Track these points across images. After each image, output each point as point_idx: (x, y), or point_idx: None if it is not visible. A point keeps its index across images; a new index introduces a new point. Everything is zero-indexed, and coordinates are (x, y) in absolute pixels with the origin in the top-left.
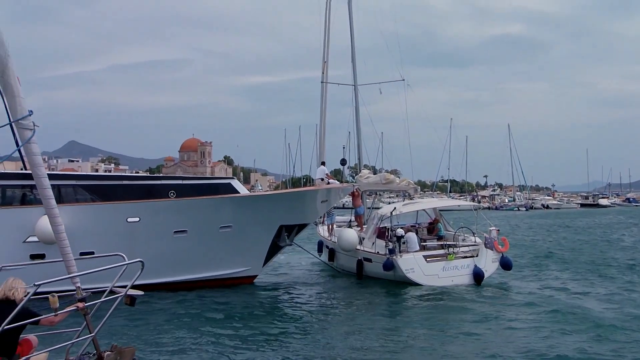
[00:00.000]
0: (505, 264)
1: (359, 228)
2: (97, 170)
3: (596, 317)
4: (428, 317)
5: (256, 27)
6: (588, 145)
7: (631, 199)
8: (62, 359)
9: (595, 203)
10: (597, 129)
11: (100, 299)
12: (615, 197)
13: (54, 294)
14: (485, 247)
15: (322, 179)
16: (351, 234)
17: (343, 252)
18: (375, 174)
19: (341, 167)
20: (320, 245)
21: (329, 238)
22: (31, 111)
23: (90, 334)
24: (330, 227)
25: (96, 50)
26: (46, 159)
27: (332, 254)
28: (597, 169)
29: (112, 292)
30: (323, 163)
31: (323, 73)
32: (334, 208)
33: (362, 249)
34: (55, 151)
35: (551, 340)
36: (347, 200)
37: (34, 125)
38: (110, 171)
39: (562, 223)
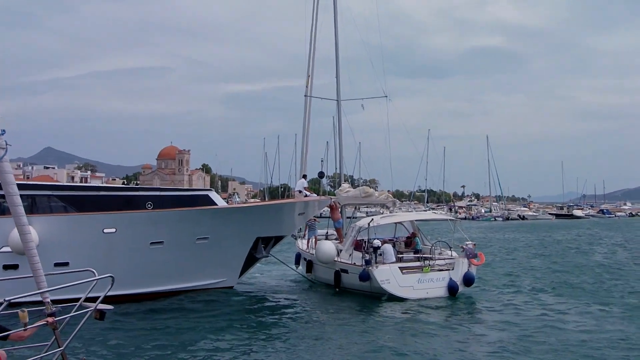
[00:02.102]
0: (468, 279)
1: (338, 241)
2: (73, 177)
3: (567, 334)
4: (400, 328)
5: (237, 35)
6: (564, 157)
7: (605, 211)
8: None
9: (570, 214)
10: (573, 141)
11: (70, 313)
12: (589, 209)
13: (23, 309)
14: (466, 256)
15: (300, 192)
16: (329, 246)
17: (321, 264)
18: (352, 183)
19: (320, 179)
20: (298, 258)
21: (308, 250)
22: (4, 130)
23: (60, 348)
24: (310, 240)
25: (75, 57)
26: (21, 165)
27: (309, 265)
28: (572, 180)
29: (82, 307)
30: (304, 176)
31: (307, 87)
32: (317, 217)
33: (339, 260)
34: (30, 157)
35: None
36: (325, 210)
37: (6, 144)
38: (86, 178)
39: (538, 237)
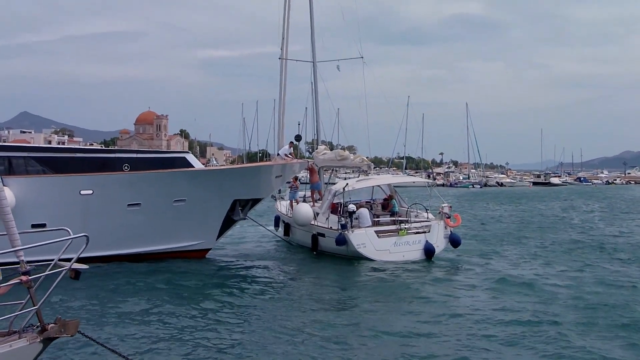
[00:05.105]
0: (454, 241)
1: (318, 203)
2: (50, 142)
3: (549, 289)
4: (375, 291)
5: (212, 1)
6: (543, 125)
7: (582, 178)
8: (4, 331)
9: (547, 181)
10: (551, 110)
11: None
12: (566, 176)
13: None
14: (442, 218)
15: (278, 154)
16: (306, 209)
17: (298, 227)
18: (331, 149)
19: (296, 143)
20: (277, 220)
21: (287, 213)
22: None
23: (34, 306)
24: (292, 203)
25: (47, 21)
26: None
27: (287, 228)
28: (550, 148)
29: (56, 267)
30: (291, 144)
31: (282, 49)
32: (301, 184)
33: (316, 224)
34: (6, 122)
35: (504, 313)
36: (304, 175)
37: None
38: (63, 143)
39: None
